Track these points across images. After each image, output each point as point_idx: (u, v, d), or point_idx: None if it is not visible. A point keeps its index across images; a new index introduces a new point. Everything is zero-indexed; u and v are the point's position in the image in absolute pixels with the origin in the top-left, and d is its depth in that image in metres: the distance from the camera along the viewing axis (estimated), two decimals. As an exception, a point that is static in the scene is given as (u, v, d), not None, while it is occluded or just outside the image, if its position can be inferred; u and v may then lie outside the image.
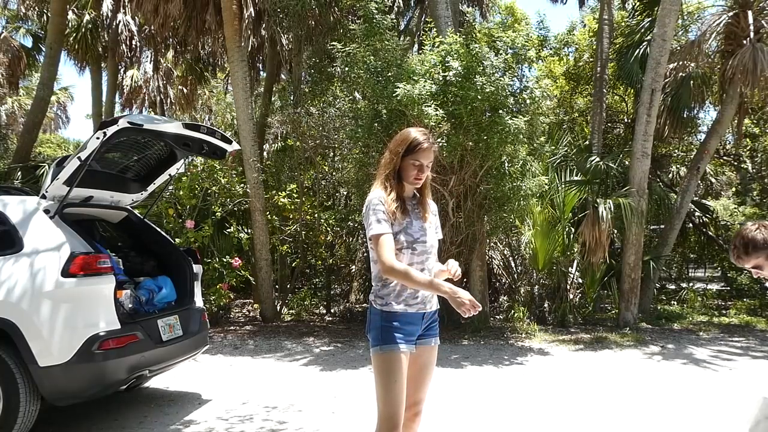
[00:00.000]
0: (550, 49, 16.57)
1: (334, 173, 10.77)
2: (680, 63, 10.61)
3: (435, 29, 8.78)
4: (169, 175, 5.48)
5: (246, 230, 9.19)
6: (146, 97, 19.10)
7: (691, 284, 12.52)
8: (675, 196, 11.34)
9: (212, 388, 5.56)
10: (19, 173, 11.74)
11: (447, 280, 2.68)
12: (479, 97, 7.16)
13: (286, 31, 11.24)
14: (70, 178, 4.33)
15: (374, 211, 2.55)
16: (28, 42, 17.19)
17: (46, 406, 4.10)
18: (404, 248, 2.59)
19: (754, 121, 14.83)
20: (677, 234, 10.82)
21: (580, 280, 9.70)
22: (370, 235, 2.55)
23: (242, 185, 9.48)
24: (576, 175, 9.61)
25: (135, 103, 19.40)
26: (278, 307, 9.94)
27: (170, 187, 8.87)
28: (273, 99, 14.01)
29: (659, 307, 10.39)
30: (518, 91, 8.00)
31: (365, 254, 10.49)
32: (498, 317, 9.58)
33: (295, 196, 9.91)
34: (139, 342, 4.19)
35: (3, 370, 3.84)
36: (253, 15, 11.56)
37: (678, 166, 14.99)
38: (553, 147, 9.59)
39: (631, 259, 9.03)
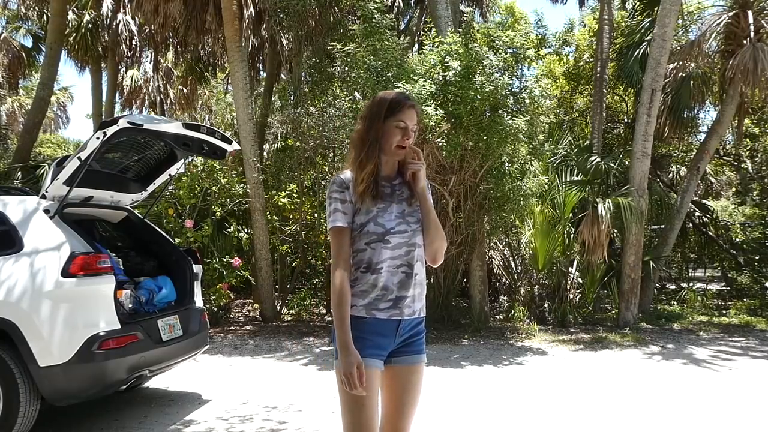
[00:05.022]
0: (549, 48, 16.58)
1: (334, 173, 10.77)
2: (680, 63, 10.60)
3: (435, 29, 8.78)
4: (169, 175, 5.49)
5: (246, 230, 9.19)
6: (146, 97, 19.11)
7: (691, 284, 12.49)
8: (675, 196, 11.32)
9: (212, 388, 5.56)
10: (19, 173, 11.74)
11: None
12: (479, 96, 7.16)
13: (286, 31, 11.23)
14: (70, 178, 4.33)
15: (330, 199, 2.16)
16: (28, 42, 17.20)
17: (46, 406, 4.10)
18: (374, 242, 2.14)
19: (754, 121, 14.81)
20: (677, 234, 10.80)
21: (580, 280, 9.69)
22: (328, 229, 2.17)
23: (242, 185, 9.47)
24: (576, 175, 9.60)
25: (135, 103, 19.42)
26: (278, 307, 9.93)
27: (170, 187, 8.87)
28: (273, 99, 14.00)
29: (659, 307, 10.39)
30: (518, 90, 8.00)
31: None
32: (498, 317, 9.57)
33: (295, 196, 9.91)
34: (139, 342, 4.19)
35: (3, 370, 3.84)
36: (253, 15, 11.56)
37: (678, 166, 14.97)
38: (553, 147, 9.58)
39: (631, 259, 9.02)
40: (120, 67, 17.37)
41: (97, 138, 4.17)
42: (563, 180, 9.33)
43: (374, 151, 2.15)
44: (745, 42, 9.64)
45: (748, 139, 15.02)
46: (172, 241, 5.89)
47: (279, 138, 15.16)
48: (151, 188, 5.54)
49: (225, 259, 8.62)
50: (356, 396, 2.03)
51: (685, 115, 11.39)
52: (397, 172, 2.26)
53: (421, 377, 2.24)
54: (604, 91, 11.66)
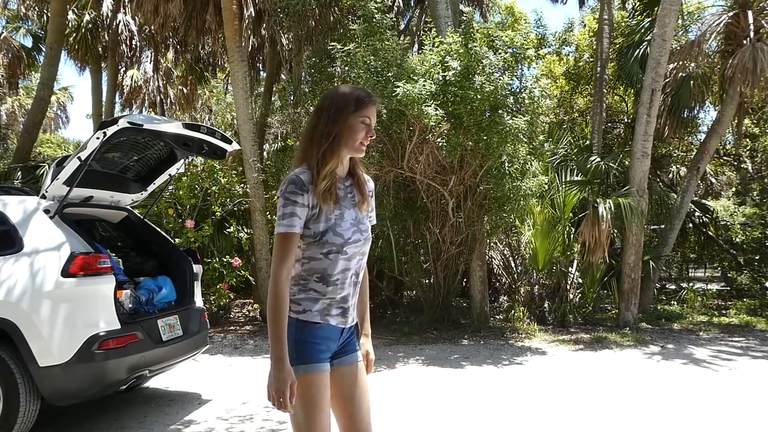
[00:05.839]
0: (549, 48, 16.58)
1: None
2: (680, 63, 10.59)
3: (435, 29, 8.77)
4: (169, 175, 5.49)
5: (246, 230, 9.19)
6: (146, 97, 19.09)
7: (691, 284, 12.49)
8: (675, 196, 11.31)
9: (212, 388, 5.57)
10: (19, 173, 11.73)
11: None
12: (479, 96, 7.16)
13: (286, 31, 11.23)
14: (70, 178, 4.34)
15: (287, 200, 1.97)
16: (28, 42, 17.20)
17: (45, 406, 4.10)
18: (333, 252, 2.03)
19: (754, 121, 14.82)
20: (677, 234, 10.80)
21: (580, 280, 9.69)
22: (276, 231, 2.00)
23: (242, 185, 9.47)
24: (576, 175, 9.60)
25: (135, 103, 19.40)
26: (278, 307, 9.91)
27: (170, 187, 8.87)
28: (273, 99, 14.00)
29: (659, 307, 10.38)
30: (518, 90, 8.00)
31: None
32: (498, 317, 9.57)
33: (295, 196, 9.89)
34: (139, 342, 4.20)
35: (3, 370, 3.84)
36: (253, 15, 11.55)
37: (678, 166, 14.97)
38: (553, 147, 9.58)
39: (631, 259, 9.02)
40: (120, 67, 17.36)
41: (97, 138, 4.17)
42: (563, 180, 9.32)
43: (338, 146, 2.03)
44: (745, 42, 9.64)
45: (748, 139, 15.03)
46: (172, 241, 5.89)
47: (279, 138, 15.17)
48: (151, 188, 5.55)
49: (225, 259, 8.62)
50: (312, 399, 1.98)
51: (685, 115, 11.38)
52: (347, 172, 2.15)
53: (365, 372, 2.22)
54: (604, 91, 11.65)
